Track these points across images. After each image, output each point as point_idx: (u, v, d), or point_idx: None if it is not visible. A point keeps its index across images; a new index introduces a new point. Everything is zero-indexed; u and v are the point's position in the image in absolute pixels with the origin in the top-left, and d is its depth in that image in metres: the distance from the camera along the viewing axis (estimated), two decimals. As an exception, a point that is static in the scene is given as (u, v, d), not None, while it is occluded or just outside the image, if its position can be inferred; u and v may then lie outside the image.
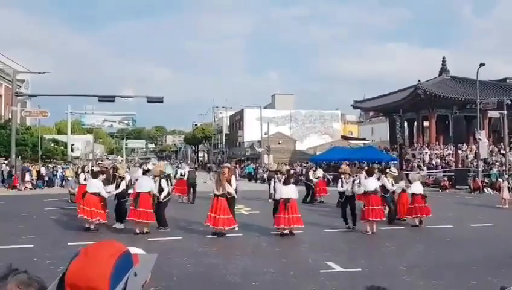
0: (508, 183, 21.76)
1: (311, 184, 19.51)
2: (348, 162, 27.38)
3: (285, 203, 11.14)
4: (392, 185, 13.46)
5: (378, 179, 13.35)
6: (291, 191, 11.42)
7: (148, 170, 12.88)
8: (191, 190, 19.81)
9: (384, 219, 12.38)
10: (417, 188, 13.24)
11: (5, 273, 1.33)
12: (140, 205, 11.41)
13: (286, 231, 11.31)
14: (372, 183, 12.27)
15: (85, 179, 15.31)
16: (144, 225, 11.55)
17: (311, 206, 17.81)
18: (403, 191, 13.68)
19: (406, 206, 13.29)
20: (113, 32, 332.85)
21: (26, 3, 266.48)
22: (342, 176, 13.37)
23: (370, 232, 11.61)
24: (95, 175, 12.93)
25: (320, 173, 21.09)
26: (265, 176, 20.49)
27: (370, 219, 11.63)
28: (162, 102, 31.76)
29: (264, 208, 14.08)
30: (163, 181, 12.44)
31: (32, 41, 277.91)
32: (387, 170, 14.35)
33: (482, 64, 29.54)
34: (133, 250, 2.29)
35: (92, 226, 12.01)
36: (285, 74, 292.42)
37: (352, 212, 12.42)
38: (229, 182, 11.90)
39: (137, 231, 11.41)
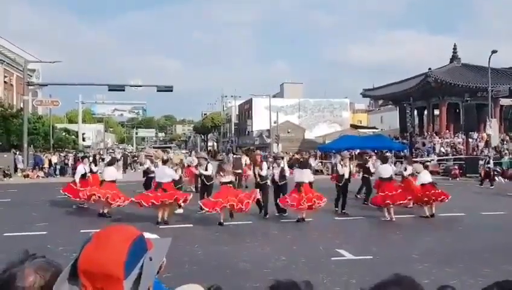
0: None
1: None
2: (356, 151, 27.32)
3: (298, 187, 11.59)
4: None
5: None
6: (305, 176, 11.92)
7: (167, 160, 13.00)
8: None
9: (404, 201, 12.23)
10: (425, 178, 13.11)
11: (23, 258, 1.33)
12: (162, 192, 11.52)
13: (303, 216, 11.54)
14: (387, 170, 12.33)
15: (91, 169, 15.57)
16: (166, 208, 11.47)
17: (322, 193, 17.77)
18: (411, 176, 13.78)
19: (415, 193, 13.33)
20: (122, 22, 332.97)
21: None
22: (342, 162, 13.54)
23: (389, 219, 11.66)
24: (110, 163, 13.28)
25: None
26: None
27: (390, 204, 11.71)
28: (171, 91, 31.82)
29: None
30: (210, 165, 13.16)
31: (42, 32, 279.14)
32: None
33: (494, 52, 29.07)
34: (147, 235, 2.29)
35: (105, 211, 12.25)
36: (294, 62, 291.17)
37: (344, 197, 12.90)
38: (260, 167, 12.71)
39: (160, 219, 11.29)
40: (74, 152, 39.03)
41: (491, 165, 23.63)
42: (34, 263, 1.32)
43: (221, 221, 11.05)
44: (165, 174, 11.85)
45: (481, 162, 28.03)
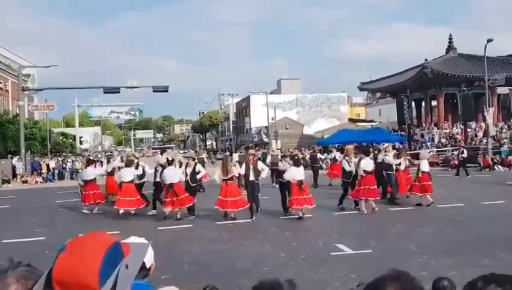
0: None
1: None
2: (356, 145, 27.26)
3: (299, 185, 11.39)
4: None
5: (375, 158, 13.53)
6: (301, 174, 11.71)
7: (172, 161, 13.00)
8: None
9: (378, 198, 12.54)
10: (426, 165, 13.25)
11: (6, 267, 1.30)
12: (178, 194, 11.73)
13: (301, 214, 11.44)
14: (371, 164, 12.43)
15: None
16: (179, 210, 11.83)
17: (320, 189, 17.77)
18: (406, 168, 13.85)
19: (406, 184, 13.49)
20: (117, 24, 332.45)
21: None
22: (347, 157, 13.31)
23: (367, 212, 11.81)
24: (128, 164, 13.30)
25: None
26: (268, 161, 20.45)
27: (369, 198, 11.95)
28: (167, 91, 31.77)
29: (273, 194, 14.07)
30: (198, 165, 12.92)
31: (36, 36, 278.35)
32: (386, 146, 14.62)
33: (489, 40, 29.01)
34: (132, 239, 2.25)
35: (132, 211, 12.46)
36: (291, 59, 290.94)
37: (346, 192, 12.76)
38: (255, 167, 12.25)
39: (179, 216, 11.74)
40: (88, 155, 39.00)
41: (465, 155, 23.95)
42: (16, 272, 1.29)
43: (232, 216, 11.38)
44: (174, 175, 12.02)
45: (479, 152, 28.10)
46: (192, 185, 12.65)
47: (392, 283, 1.26)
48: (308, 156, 25.64)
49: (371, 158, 12.93)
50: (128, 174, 12.72)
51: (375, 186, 12.36)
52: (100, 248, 1.16)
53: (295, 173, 11.61)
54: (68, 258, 1.14)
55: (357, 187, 12.29)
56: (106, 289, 1.12)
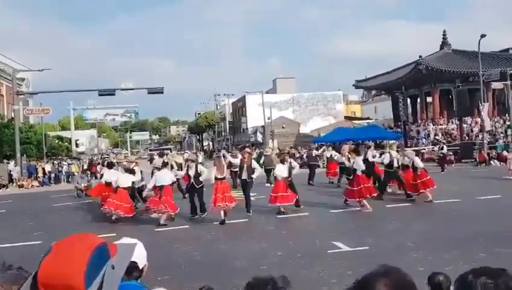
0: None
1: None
2: (352, 143, 27.35)
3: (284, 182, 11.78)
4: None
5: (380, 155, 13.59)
6: (284, 171, 12.10)
7: (167, 163, 12.91)
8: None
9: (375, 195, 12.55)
10: (420, 162, 13.41)
11: None
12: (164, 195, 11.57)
13: (282, 209, 11.79)
14: (362, 163, 12.50)
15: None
16: (167, 214, 11.59)
17: (317, 187, 17.79)
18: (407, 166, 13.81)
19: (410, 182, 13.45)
20: (112, 26, 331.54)
21: (23, 1, 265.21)
22: (348, 155, 13.28)
23: (366, 210, 11.82)
24: (130, 171, 13.16)
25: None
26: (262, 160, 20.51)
27: (368, 196, 11.98)
28: (162, 92, 31.74)
29: (269, 193, 14.05)
30: (200, 166, 12.57)
31: (30, 40, 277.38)
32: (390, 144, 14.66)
33: (483, 36, 29.12)
34: (125, 240, 2.25)
35: (113, 217, 12.20)
36: (286, 58, 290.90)
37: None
38: (249, 167, 12.14)
39: (162, 221, 11.38)
40: (67, 159, 38.87)
41: (445, 151, 24.08)
42: (3, 277, 1.29)
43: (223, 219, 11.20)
44: (166, 177, 11.94)
45: (476, 147, 28.21)
46: (197, 187, 12.19)
47: (382, 278, 1.29)
48: (305, 155, 25.69)
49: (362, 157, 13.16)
50: (125, 180, 12.62)
51: (370, 184, 12.40)
52: (86, 249, 1.15)
53: (278, 170, 12.00)
54: (53, 260, 1.13)
55: (350, 188, 12.27)
56: None
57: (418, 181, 13.00)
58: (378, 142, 33.16)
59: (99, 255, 1.16)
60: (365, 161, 13.59)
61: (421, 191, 12.94)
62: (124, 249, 1.28)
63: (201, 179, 12.05)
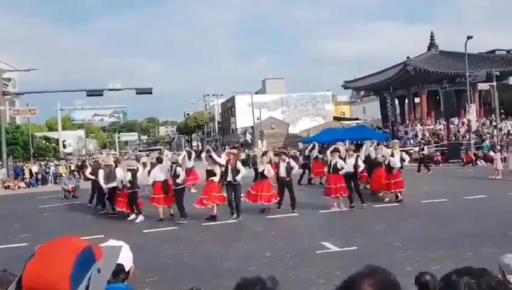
0: (501, 154, 21.86)
1: None
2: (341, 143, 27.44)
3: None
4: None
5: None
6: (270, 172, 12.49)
7: (162, 160, 13.08)
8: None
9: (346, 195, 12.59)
10: (397, 163, 13.59)
11: None
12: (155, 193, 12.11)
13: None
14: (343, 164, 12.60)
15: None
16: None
17: (306, 187, 17.83)
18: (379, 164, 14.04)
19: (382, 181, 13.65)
20: (99, 26, 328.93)
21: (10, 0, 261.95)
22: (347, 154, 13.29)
23: (339, 208, 12.14)
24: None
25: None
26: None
27: (339, 195, 12.26)
28: (151, 93, 31.61)
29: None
30: (179, 168, 12.27)
31: (16, 40, 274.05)
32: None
33: (469, 37, 29.44)
34: (111, 243, 2.22)
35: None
36: (275, 59, 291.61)
37: (357, 190, 12.71)
38: (235, 168, 11.83)
39: (162, 216, 11.93)
40: (54, 160, 38.43)
41: (425, 151, 24.48)
42: None
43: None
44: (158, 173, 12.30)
45: (463, 148, 28.48)
46: (176, 188, 12.09)
47: (367, 279, 1.29)
48: (300, 155, 25.67)
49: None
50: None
51: (343, 184, 12.42)
52: (71, 252, 1.14)
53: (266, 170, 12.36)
54: (38, 264, 1.12)
55: (327, 185, 12.58)
56: None
57: (392, 181, 13.16)
58: (359, 142, 33.42)
59: (84, 258, 1.15)
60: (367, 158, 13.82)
61: (392, 191, 13.18)
62: (109, 252, 1.28)
63: (178, 181, 11.93)
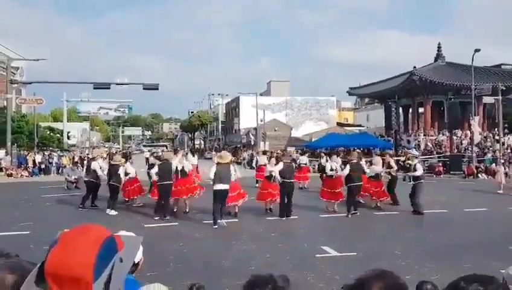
0: (504, 168, 21.84)
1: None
2: (344, 149, 27.53)
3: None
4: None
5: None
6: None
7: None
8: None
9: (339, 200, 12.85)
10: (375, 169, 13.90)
11: None
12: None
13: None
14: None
15: None
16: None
17: (307, 192, 17.87)
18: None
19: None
20: (108, 22, 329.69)
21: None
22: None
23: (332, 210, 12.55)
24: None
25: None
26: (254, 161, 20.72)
27: (333, 200, 12.66)
28: (157, 89, 31.62)
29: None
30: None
31: (27, 30, 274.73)
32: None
33: (477, 50, 29.47)
34: (122, 233, 2.30)
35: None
36: (281, 61, 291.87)
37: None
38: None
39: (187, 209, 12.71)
40: (58, 151, 38.52)
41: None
42: (4, 264, 1.31)
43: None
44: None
45: (464, 160, 28.46)
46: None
47: (377, 281, 1.31)
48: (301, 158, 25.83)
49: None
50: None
51: (339, 190, 12.88)
52: (95, 241, 1.16)
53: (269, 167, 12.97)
54: (62, 252, 1.13)
55: (323, 188, 13.11)
56: (100, 282, 1.13)
57: (373, 188, 13.53)
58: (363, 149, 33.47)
59: (108, 247, 1.16)
60: None
61: (367, 193, 13.59)
62: (130, 242, 1.29)
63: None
